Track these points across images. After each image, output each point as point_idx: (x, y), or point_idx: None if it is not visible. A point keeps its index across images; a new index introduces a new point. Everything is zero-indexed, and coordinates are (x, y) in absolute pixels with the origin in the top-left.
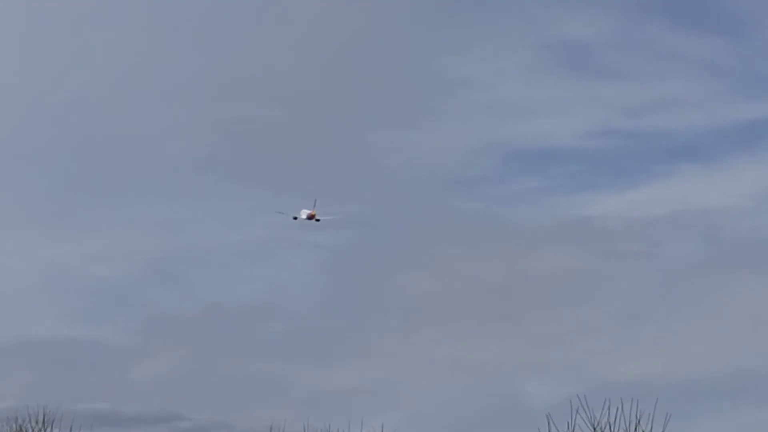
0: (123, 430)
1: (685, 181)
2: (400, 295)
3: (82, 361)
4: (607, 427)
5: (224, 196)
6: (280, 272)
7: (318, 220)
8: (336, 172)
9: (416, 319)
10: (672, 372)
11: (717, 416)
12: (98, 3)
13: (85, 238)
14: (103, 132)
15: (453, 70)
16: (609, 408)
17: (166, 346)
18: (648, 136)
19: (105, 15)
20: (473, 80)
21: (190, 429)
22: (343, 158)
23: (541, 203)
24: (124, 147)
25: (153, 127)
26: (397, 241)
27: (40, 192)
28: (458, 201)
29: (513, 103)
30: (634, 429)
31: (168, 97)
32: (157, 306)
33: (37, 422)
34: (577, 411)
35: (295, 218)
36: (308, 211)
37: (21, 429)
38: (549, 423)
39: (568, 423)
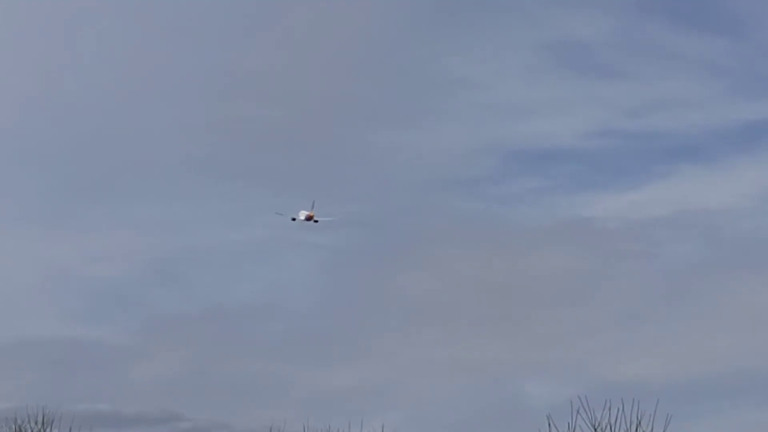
0: (123, 431)
1: (685, 182)
2: (400, 296)
3: (82, 361)
4: (608, 427)
5: (224, 196)
6: (280, 272)
7: (316, 222)
8: (336, 172)
9: (416, 320)
10: (673, 372)
11: (718, 417)
12: (98, 3)
13: (85, 238)
14: (103, 132)
15: (453, 70)
16: (610, 409)
17: (166, 346)
18: (648, 136)
19: (105, 15)
20: (473, 80)
21: (190, 429)
22: (343, 158)
23: (541, 203)
24: (124, 147)
25: (153, 127)
26: (398, 242)
27: (40, 192)
28: (458, 201)
29: (513, 103)
30: (634, 430)
31: (168, 97)
32: (157, 306)
33: (36, 423)
34: (577, 411)
35: (294, 219)
36: (307, 213)
37: (20, 430)
38: (549, 424)
39: (568, 424)
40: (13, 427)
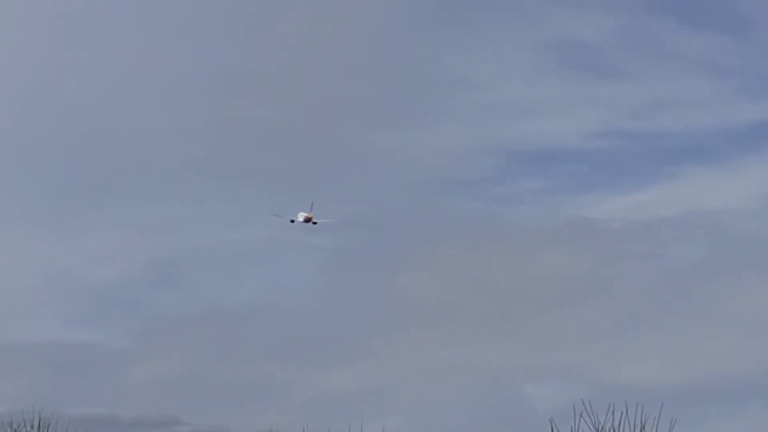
0: None
1: (690, 182)
2: (401, 297)
3: (79, 364)
4: (611, 431)
5: (224, 196)
6: (280, 273)
7: (315, 223)
8: (336, 172)
9: (417, 321)
10: (677, 375)
11: (723, 421)
12: (97, 3)
13: (84, 238)
14: (103, 132)
15: (453, 70)
16: (613, 412)
17: (164, 349)
18: (651, 136)
19: (105, 15)
20: (474, 80)
21: None
22: (343, 158)
23: (542, 204)
24: (124, 147)
25: (153, 128)
26: (398, 242)
27: (38, 192)
28: (459, 202)
29: (514, 103)
30: None
31: (168, 97)
32: (156, 308)
33: (32, 427)
34: (580, 415)
35: (292, 221)
36: (305, 214)
37: None
38: (552, 428)
39: (571, 427)
40: (9, 431)
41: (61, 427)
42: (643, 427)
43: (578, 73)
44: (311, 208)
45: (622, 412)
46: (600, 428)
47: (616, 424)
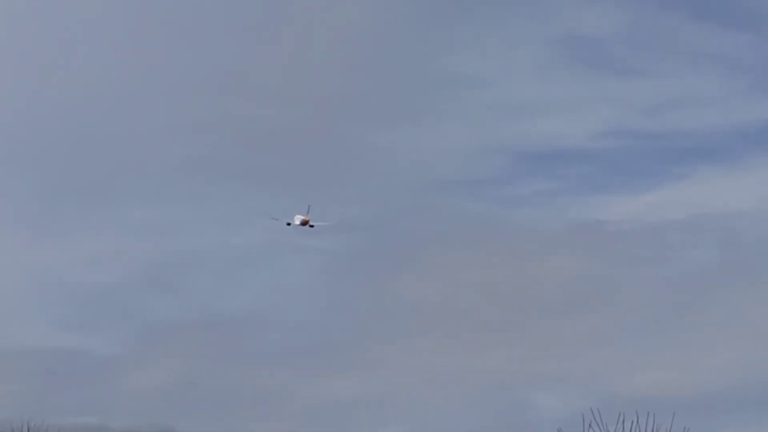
0: None
1: (703, 184)
2: (402, 302)
3: (70, 371)
4: None
5: (223, 197)
6: (278, 278)
7: (312, 226)
8: (336, 172)
9: (419, 327)
10: (689, 383)
11: (737, 430)
12: (96, 3)
13: (77, 241)
14: (100, 133)
15: (456, 67)
16: (623, 422)
17: (158, 356)
18: (664, 136)
19: (104, 15)
20: (478, 77)
21: None
22: (343, 158)
23: (550, 206)
24: (120, 148)
25: (151, 128)
26: (399, 245)
27: (32, 194)
28: (463, 203)
29: (521, 101)
30: None
31: (167, 97)
32: (150, 314)
33: None
34: (589, 425)
35: (289, 224)
36: (302, 217)
37: None
38: None
39: None
40: None
41: None
42: None
43: (588, 70)
44: (308, 211)
45: (632, 422)
46: None
47: None
